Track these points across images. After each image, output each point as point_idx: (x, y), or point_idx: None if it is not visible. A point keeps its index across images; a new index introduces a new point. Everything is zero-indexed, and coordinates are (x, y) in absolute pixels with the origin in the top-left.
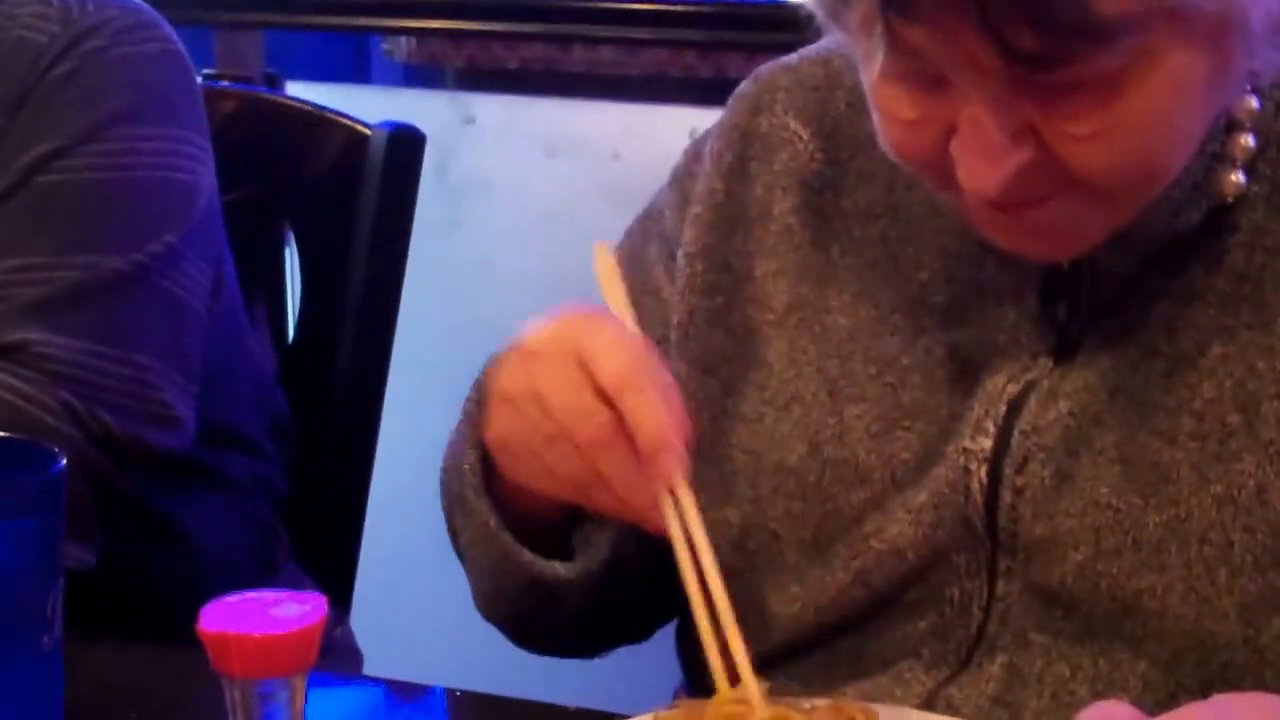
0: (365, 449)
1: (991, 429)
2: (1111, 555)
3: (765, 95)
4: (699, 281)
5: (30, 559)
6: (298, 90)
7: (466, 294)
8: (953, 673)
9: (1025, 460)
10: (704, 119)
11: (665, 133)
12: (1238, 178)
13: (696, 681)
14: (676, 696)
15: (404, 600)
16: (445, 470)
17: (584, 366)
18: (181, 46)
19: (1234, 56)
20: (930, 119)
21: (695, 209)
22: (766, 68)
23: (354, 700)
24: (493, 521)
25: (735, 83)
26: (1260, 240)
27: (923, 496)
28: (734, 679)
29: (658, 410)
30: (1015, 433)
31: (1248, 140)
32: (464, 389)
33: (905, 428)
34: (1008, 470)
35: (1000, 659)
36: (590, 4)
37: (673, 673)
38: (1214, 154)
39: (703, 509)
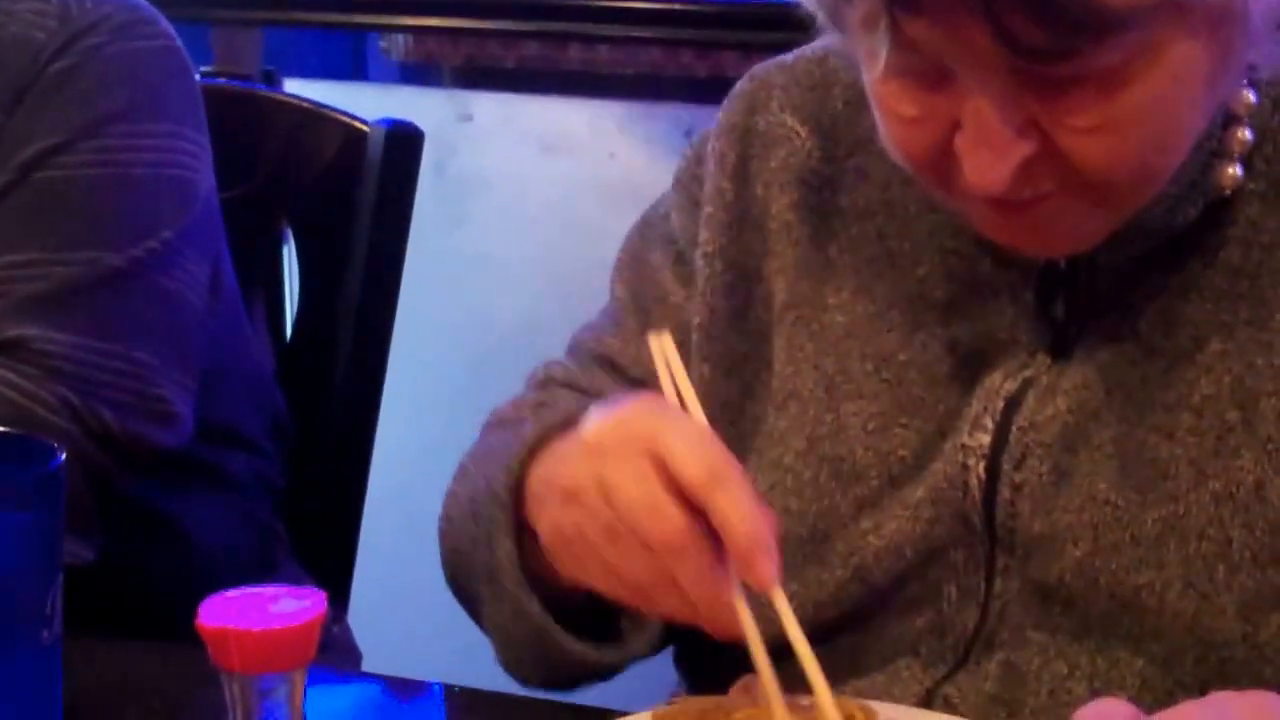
0: (363, 446)
1: (989, 425)
2: (1110, 552)
3: (761, 94)
4: (718, 282)
5: (29, 554)
6: (295, 88)
7: (464, 291)
8: (950, 670)
9: (1023, 457)
10: (700, 118)
11: (661, 131)
12: (1235, 170)
13: (693, 681)
14: (674, 694)
15: (402, 598)
16: (450, 523)
17: (659, 463)
18: (180, 43)
19: (1234, 48)
20: (933, 116)
21: (707, 209)
22: (762, 66)
23: (352, 697)
24: (536, 613)
25: (732, 82)
26: (1257, 236)
27: (920, 493)
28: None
29: (751, 509)
30: (1013, 429)
31: (1245, 134)
32: (462, 386)
33: (903, 424)
34: (1006, 467)
35: (998, 656)
36: (587, 3)
37: (671, 670)
38: (1212, 150)
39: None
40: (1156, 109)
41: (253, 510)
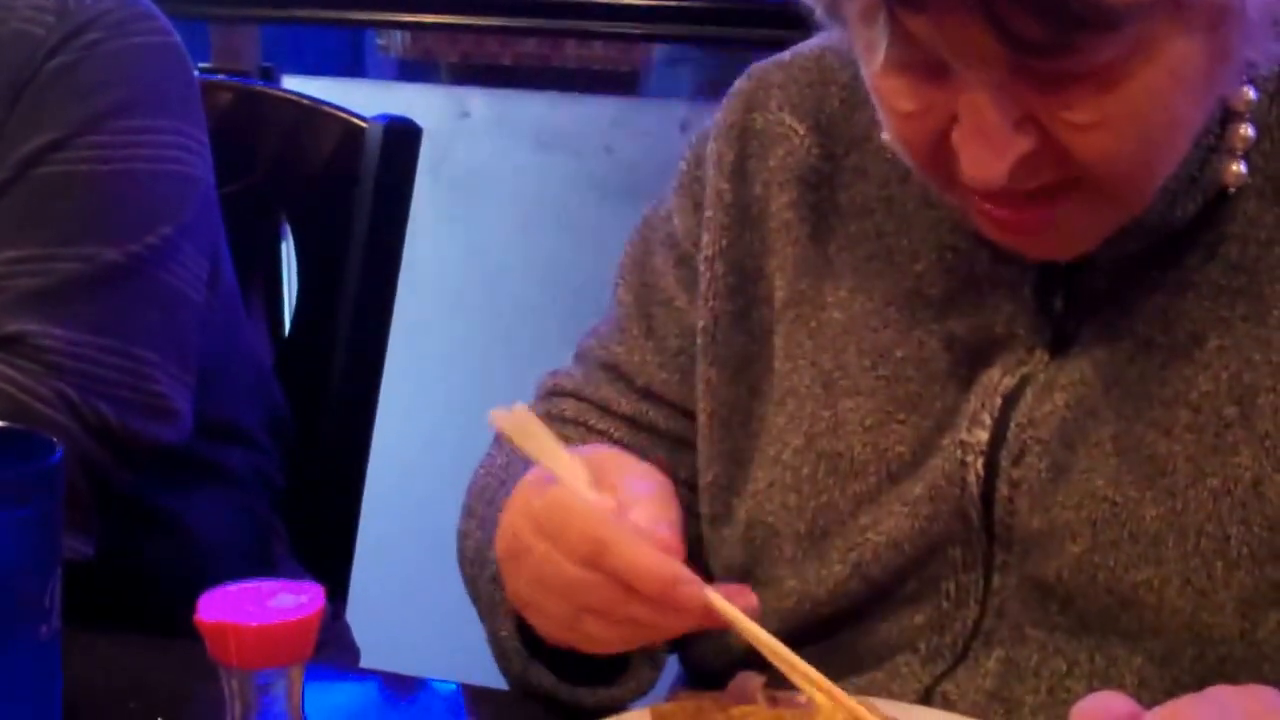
0: (361, 442)
1: (988, 421)
2: (1108, 548)
3: (759, 92)
4: (721, 285)
5: (28, 548)
6: (293, 84)
7: (462, 286)
8: (949, 667)
9: (1021, 453)
10: (695, 114)
11: (658, 127)
12: (1239, 167)
13: (694, 676)
14: (674, 690)
15: (400, 594)
16: (463, 562)
17: (559, 548)
18: (178, 39)
19: (1232, 45)
20: (931, 110)
21: (708, 213)
22: (759, 65)
23: (351, 692)
24: (548, 681)
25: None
26: (1255, 232)
27: (918, 489)
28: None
29: (642, 558)
30: (1011, 425)
31: (1246, 130)
32: (460, 381)
33: (900, 421)
34: (1004, 463)
35: (997, 653)
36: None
37: (671, 666)
38: (1210, 146)
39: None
40: (1154, 105)
41: (251, 505)
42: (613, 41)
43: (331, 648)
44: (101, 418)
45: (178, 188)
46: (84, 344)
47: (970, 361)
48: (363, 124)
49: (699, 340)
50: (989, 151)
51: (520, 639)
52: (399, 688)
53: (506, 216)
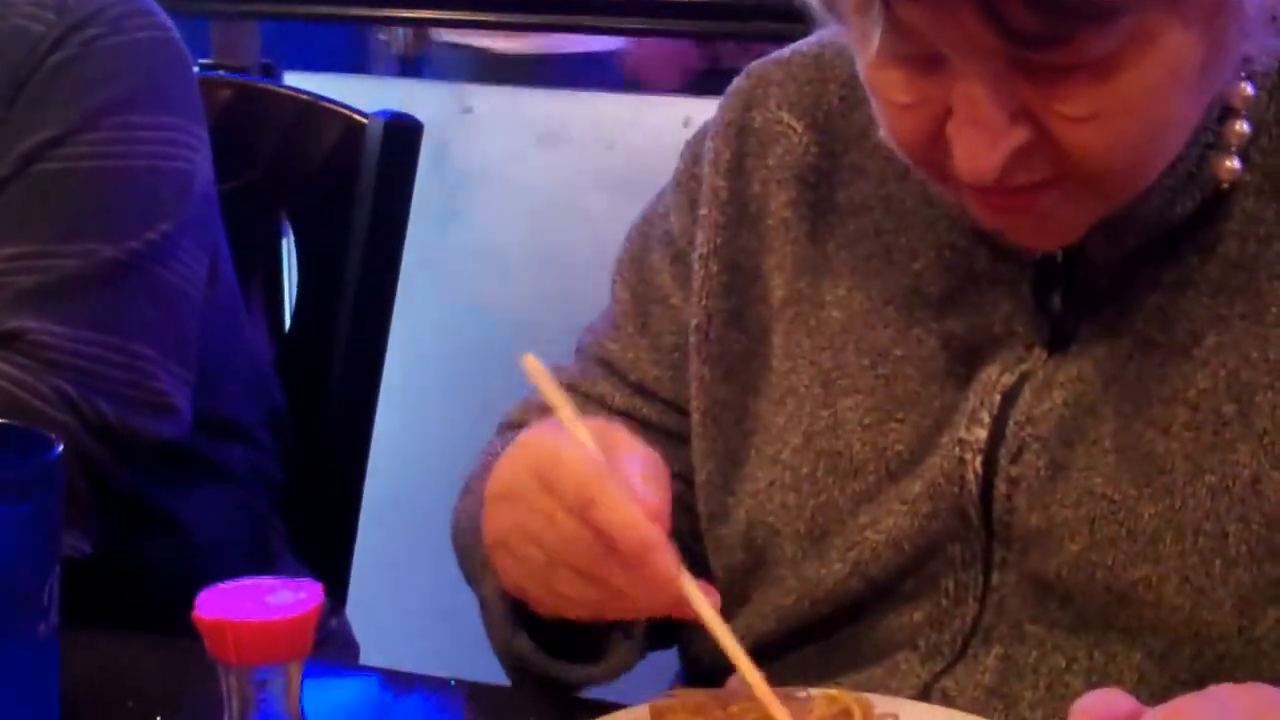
0: (361, 439)
1: (986, 419)
2: (1106, 546)
3: (758, 90)
4: (715, 284)
5: (27, 545)
6: (294, 80)
7: (462, 282)
8: (948, 664)
9: (1020, 450)
10: (698, 109)
11: (660, 122)
12: (1233, 163)
13: (694, 671)
14: (673, 685)
15: (400, 590)
16: (456, 538)
17: (550, 494)
18: (177, 34)
19: (1228, 39)
20: (925, 102)
21: (703, 211)
22: (758, 63)
23: (350, 689)
24: (526, 647)
25: (730, 73)
26: (1253, 229)
27: (917, 487)
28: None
29: (624, 515)
30: (1010, 423)
31: (1243, 126)
32: (460, 378)
33: (899, 419)
34: (1002, 461)
35: (995, 650)
36: None
37: (670, 662)
38: (1208, 143)
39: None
40: (1149, 98)
41: (250, 503)
42: (615, 37)
43: (330, 645)
44: (101, 415)
45: (178, 184)
46: (83, 341)
47: (969, 360)
48: (363, 120)
49: (692, 338)
50: (983, 144)
51: (505, 606)
52: (397, 684)
53: (508, 212)
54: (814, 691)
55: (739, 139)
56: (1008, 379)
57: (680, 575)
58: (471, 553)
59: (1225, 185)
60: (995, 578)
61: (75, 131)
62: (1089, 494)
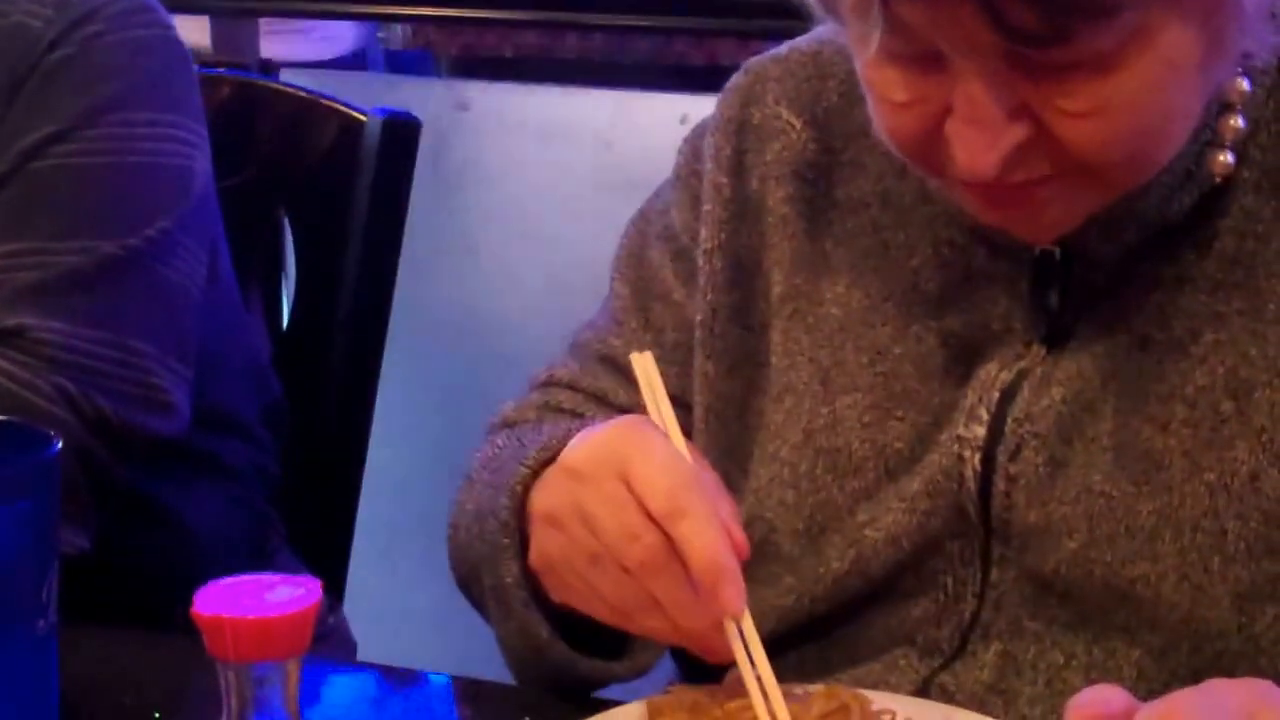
0: (359, 435)
1: (985, 416)
2: (1105, 543)
3: (756, 86)
4: (719, 279)
5: (25, 542)
6: (292, 77)
7: (460, 280)
8: (947, 660)
9: (1018, 448)
10: (695, 106)
11: (657, 119)
12: (1227, 158)
13: (689, 671)
14: (670, 682)
15: (397, 587)
16: (457, 533)
17: (631, 487)
18: (176, 31)
19: (1227, 35)
20: (924, 101)
21: (706, 206)
22: (756, 59)
23: (348, 686)
24: (545, 635)
25: (727, 70)
26: (1251, 226)
27: (916, 485)
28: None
29: (711, 537)
30: (1008, 420)
31: (1238, 121)
32: (458, 375)
33: (898, 417)
34: (1001, 458)
35: (994, 646)
36: None
37: (666, 662)
38: (1206, 141)
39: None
40: (1149, 94)
41: (248, 499)
42: (614, 34)
43: (328, 641)
44: (99, 411)
45: (177, 181)
46: (82, 338)
47: (967, 357)
48: (361, 118)
49: (697, 334)
50: (982, 142)
51: (527, 593)
52: (396, 681)
53: (505, 210)
54: (812, 688)
55: (738, 135)
56: (1006, 376)
57: (744, 616)
58: (481, 538)
59: (1219, 180)
60: (994, 574)
61: (75, 128)
62: (1087, 491)
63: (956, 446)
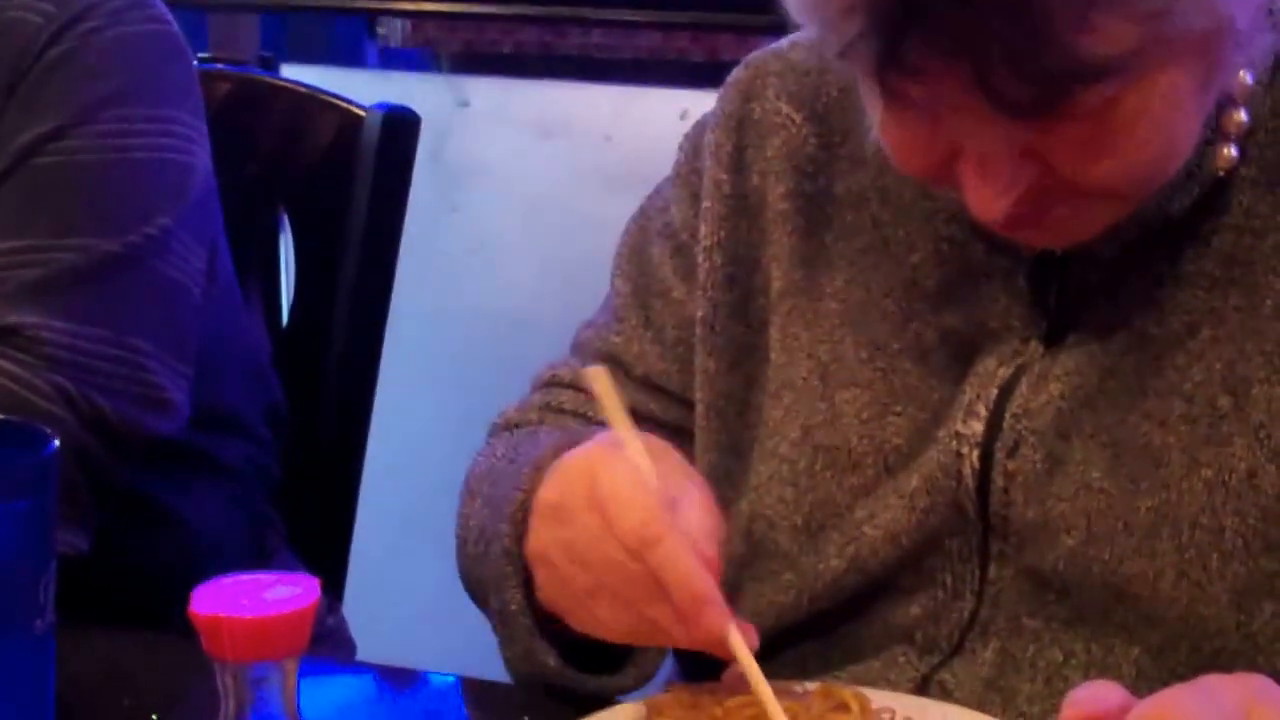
0: (358, 434)
1: (983, 412)
2: (1103, 540)
3: (756, 81)
4: (719, 275)
5: (22, 541)
6: (292, 73)
7: (460, 276)
8: (945, 657)
9: (1016, 444)
10: (696, 101)
11: (657, 115)
12: (1230, 151)
13: (688, 669)
14: (669, 682)
15: (397, 587)
16: (463, 545)
17: (605, 518)
18: (175, 27)
19: (1225, 57)
20: (933, 146)
21: (706, 203)
22: (757, 54)
23: (346, 686)
24: (551, 661)
25: (728, 65)
26: (1249, 223)
27: (915, 481)
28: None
29: (684, 565)
30: (1006, 416)
31: (1241, 116)
32: (458, 373)
33: (896, 412)
34: (999, 454)
35: (993, 644)
36: None
37: (667, 658)
38: (1208, 139)
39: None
40: (1151, 129)
41: (247, 498)
42: (614, 29)
43: (327, 641)
44: (98, 410)
45: (176, 178)
46: (81, 336)
47: (966, 353)
48: (361, 113)
49: (698, 331)
50: (992, 190)
51: (532, 621)
52: (394, 681)
53: (505, 206)
54: (811, 686)
55: (738, 131)
56: (1004, 372)
57: (730, 631)
58: (483, 561)
59: (1223, 174)
60: (992, 571)
61: (74, 125)
62: (1085, 487)
63: (955, 443)
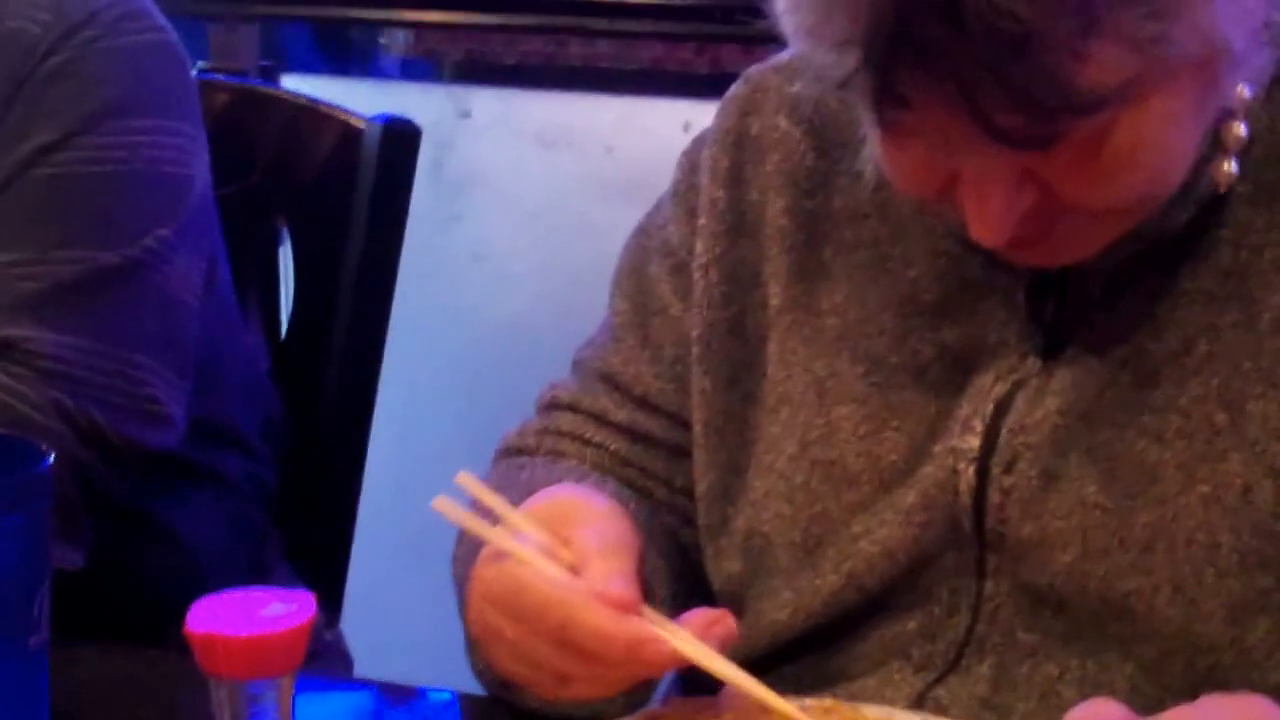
0: (357, 447)
1: (979, 428)
2: (1099, 556)
3: (756, 96)
4: (715, 293)
5: (17, 556)
6: (293, 83)
7: (461, 288)
8: (941, 674)
9: (1013, 460)
10: (698, 112)
11: (660, 126)
12: (1230, 167)
13: (687, 682)
14: (667, 695)
15: (395, 602)
16: (455, 584)
17: (523, 623)
18: (175, 37)
19: (1222, 77)
20: (934, 170)
21: (702, 220)
22: (756, 69)
23: (343, 703)
24: (533, 703)
25: (730, 76)
26: (1246, 238)
27: (911, 497)
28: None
29: (598, 627)
30: (1003, 432)
31: (1240, 129)
32: (458, 385)
33: (893, 428)
34: (995, 470)
35: (989, 660)
36: None
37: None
38: (1206, 156)
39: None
40: (1147, 151)
41: (245, 512)
42: (617, 40)
43: (324, 657)
44: (95, 424)
45: (175, 189)
46: (78, 349)
47: (963, 368)
48: (361, 124)
49: (694, 349)
50: (992, 217)
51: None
52: (392, 697)
53: (507, 217)
54: (808, 702)
55: (736, 148)
56: (1001, 388)
57: (675, 647)
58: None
59: (1222, 190)
60: (988, 587)
61: (72, 136)
62: (1081, 503)
63: (951, 459)
